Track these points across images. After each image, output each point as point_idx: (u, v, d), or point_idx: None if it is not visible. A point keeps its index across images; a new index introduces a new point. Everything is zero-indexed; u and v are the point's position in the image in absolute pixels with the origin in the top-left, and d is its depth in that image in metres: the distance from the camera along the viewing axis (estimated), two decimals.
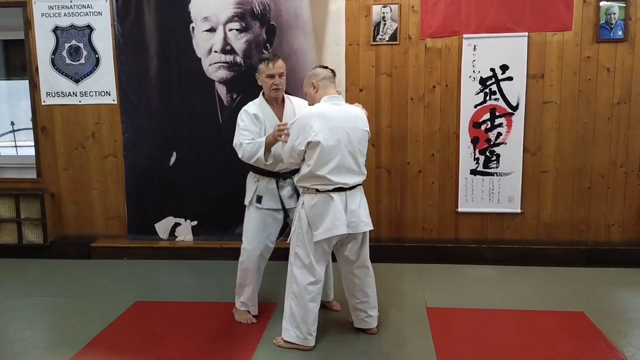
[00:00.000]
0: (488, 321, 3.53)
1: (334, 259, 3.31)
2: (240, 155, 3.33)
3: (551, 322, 3.48)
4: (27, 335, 3.41)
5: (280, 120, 3.37)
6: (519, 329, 3.44)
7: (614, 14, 4.28)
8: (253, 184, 3.46)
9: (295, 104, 3.49)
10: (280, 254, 3.61)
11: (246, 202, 3.49)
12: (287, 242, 3.27)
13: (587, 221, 4.56)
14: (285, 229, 3.61)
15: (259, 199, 3.41)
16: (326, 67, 3.22)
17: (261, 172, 3.41)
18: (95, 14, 4.71)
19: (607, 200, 4.52)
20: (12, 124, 5.69)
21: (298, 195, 3.38)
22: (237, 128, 3.37)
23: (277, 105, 3.44)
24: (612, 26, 4.29)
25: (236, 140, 3.35)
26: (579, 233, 4.57)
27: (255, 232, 3.44)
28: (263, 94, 3.44)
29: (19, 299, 4.01)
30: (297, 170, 3.36)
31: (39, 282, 4.37)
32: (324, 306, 3.53)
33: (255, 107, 3.40)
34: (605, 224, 4.55)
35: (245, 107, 3.42)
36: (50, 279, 4.45)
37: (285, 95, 3.50)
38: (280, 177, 3.41)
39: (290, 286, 3.14)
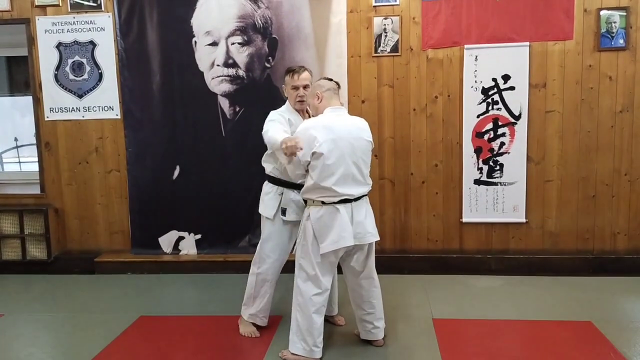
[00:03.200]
0: (495, 332, 3.51)
1: (339, 271, 3.30)
2: (265, 140, 3.25)
3: (559, 332, 3.45)
4: (31, 352, 3.39)
5: None
6: (526, 339, 3.42)
7: (615, 22, 4.29)
8: (276, 196, 3.39)
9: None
10: (287, 267, 3.59)
11: (266, 214, 3.42)
12: (292, 253, 3.27)
13: (593, 230, 4.54)
14: None
15: (284, 211, 3.37)
16: (331, 79, 3.23)
17: (285, 184, 3.37)
18: (98, 29, 4.74)
19: (612, 209, 4.50)
20: (16, 140, 5.71)
21: None
22: (267, 122, 3.29)
23: (303, 116, 3.41)
24: (613, 35, 4.31)
25: (266, 127, 3.25)
26: (584, 242, 4.55)
27: (278, 243, 3.41)
28: (288, 104, 3.42)
29: (23, 315, 3.99)
30: None
31: (43, 298, 4.36)
32: (328, 321, 3.50)
33: (289, 114, 3.35)
34: (611, 233, 4.53)
35: (277, 111, 3.38)
36: (54, 294, 4.44)
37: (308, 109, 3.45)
38: (298, 188, 3.35)
39: (295, 298, 3.12)
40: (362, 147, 3.05)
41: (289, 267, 3.36)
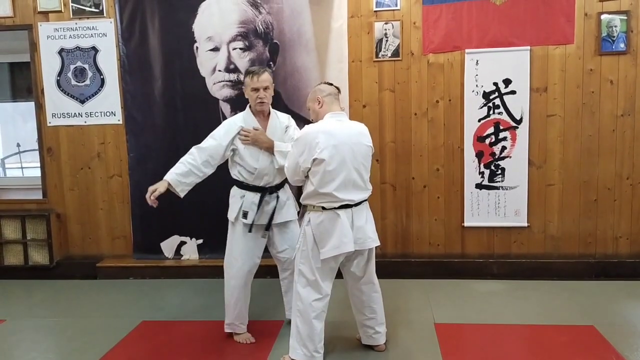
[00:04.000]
0: (497, 336, 3.50)
1: (339, 276, 3.29)
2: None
3: (561, 336, 3.44)
4: (33, 357, 3.40)
5: (265, 132, 3.38)
6: (528, 344, 3.41)
7: (616, 26, 4.29)
8: (238, 200, 3.40)
9: (280, 119, 3.48)
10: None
11: (231, 218, 3.44)
12: (292, 258, 3.26)
13: (595, 234, 4.53)
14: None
15: (245, 214, 3.37)
16: (331, 84, 3.23)
17: (247, 187, 3.39)
18: (100, 35, 4.76)
19: (614, 213, 4.49)
20: (18, 145, 5.73)
21: (287, 210, 3.42)
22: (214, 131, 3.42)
23: (264, 118, 3.43)
24: (614, 39, 4.31)
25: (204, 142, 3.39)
26: (586, 246, 4.54)
27: (242, 248, 3.41)
28: (250, 107, 3.45)
29: (26, 320, 4.00)
30: (282, 185, 3.41)
31: (45, 303, 4.37)
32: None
33: (241, 120, 3.41)
34: (613, 237, 4.52)
35: (232, 118, 3.46)
36: (56, 299, 4.45)
37: (272, 110, 3.49)
38: (266, 191, 3.38)
39: (295, 304, 3.12)
40: (362, 153, 3.05)
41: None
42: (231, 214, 3.44)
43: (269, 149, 3.31)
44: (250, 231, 3.36)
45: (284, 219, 3.46)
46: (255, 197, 3.38)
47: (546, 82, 4.42)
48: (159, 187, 3.32)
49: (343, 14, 4.49)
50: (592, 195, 4.50)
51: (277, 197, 3.42)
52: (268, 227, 3.42)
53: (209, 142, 3.37)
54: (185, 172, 3.35)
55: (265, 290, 4.17)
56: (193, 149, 3.39)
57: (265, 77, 3.34)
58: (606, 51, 4.33)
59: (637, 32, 4.30)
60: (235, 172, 3.44)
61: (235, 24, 4.56)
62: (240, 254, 3.41)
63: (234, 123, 3.40)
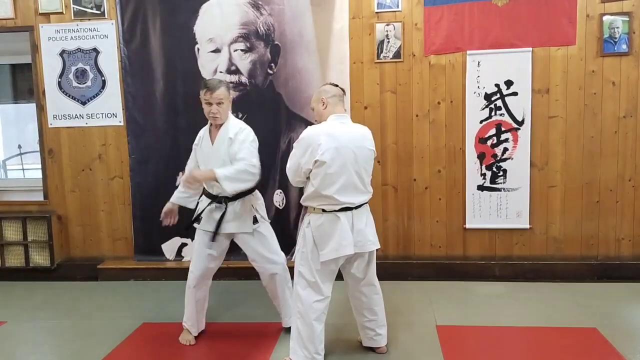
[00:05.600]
0: (499, 339, 3.49)
1: (339, 278, 3.28)
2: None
3: (563, 338, 3.43)
4: (34, 359, 3.39)
5: (212, 143, 3.38)
6: (531, 346, 3.40)
7: (618, 27, 4.28)
8: (199, 204, 3.50)
9: (229, 130, 3.35)
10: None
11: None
12: (292, 260, 3.26)
13: (597, 236, 4.51)
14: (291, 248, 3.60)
15: (198, 219, 3.43)
16: (336, 85, 3.21)
17: (205, 192, 3.45)
18: (102, 37, 4.76)
19: (616, 215, 4.48)
20: (19, 147, 5.72)
21: (240, 223, 3.40)
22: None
23: (215, 130, 3.41)
24: (616, 40, 4.30)
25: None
26: (588, 248, 4.53)
27: (196, 252, 3.48)
28: None
29: (26, 322, 3.99)
30: (236, 198, 3.36)
31: (46, 305, 4.36)
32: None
33: (203, 130, 3.51)
34: (615, 239, 4.50)
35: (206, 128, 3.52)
36: (57, 301, 4.44)
37: (230, 120, 3.40)
38: (214, 199, 3.38)
39: (295, 306, 3.11)
40: (364, 156, 3.04)
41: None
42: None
43: (213, 179, 3.22)
44: (212, 240, 3.43)
45: (231, 230, 3.41)
46: (206, 203, 3.42)
47: (548, 84, 4.41)
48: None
49: (344, 16, 4.49)
50: (594, 197, 4.48)
51: (226, 207, 3.36)
52: (214, 236, 3.40)
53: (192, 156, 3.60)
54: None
55: (264, 292, 4.15)
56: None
57: (219, 92, 3.28)
58: (608, 52, 4.32)
59: (639, 33, 4.28)
60: None
61: (237, 26, 4.55)
62: (194, 257, 3.49)
63: (199, 134, 3.52)
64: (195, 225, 3.44)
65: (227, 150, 3.32)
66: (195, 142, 3.51)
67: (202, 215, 3.41)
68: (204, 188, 3.44)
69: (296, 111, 4.57)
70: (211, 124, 3.42)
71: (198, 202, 3.50)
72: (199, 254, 3.46)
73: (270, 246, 3.48)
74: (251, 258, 3.49)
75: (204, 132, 3.47)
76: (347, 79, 4.51)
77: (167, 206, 3.58)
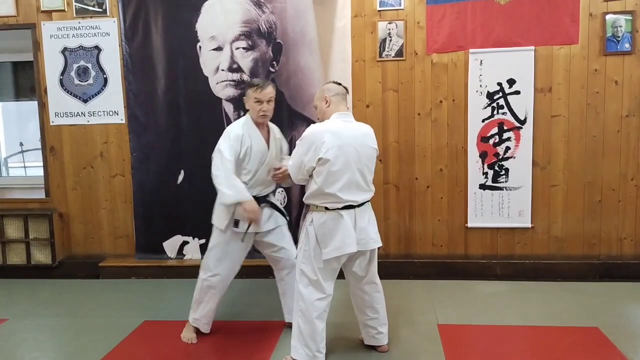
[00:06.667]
0: (501, 338, 3.48)
1: (340, 276, 3.28)
2: (213, 173, 3.30)
3: (565, 338, 3.43)
4: (36, 356, 3.39)
5: (267, 143, 3.38)
6: (532, 345, 3.39)
7: (621, 26, 4.27)
8: (229, 207, 3.34)
9: (276, 132, 3.50)
10: None
11: (218, 224, 3.42)
12: (294, 258, 3.25)
13: (599, 235, 4.51)
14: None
15: (236, 223, 3.35)
16: (339, 84, 3.21)
17: None
18: (103, 34, 4.76)
19: (618, 214, 4.47)
20: (21, 144, 5.73)
21: (277, 218, 3.44)
22: (222, 141, 3.33)
23: (263, 129, 3.42)
24: (619, 39, 4.29)
25: (219, 156, 3.29)
26: (590, 247, 4.52)
27: (225, 254, 3.41)
28: (250, 117, 3.41)
29: (28, 319, 3.99)
30: (273, 193, 3.44)
31: (48, 303, 4.36)
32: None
33: (241, 128, 3.36)
34: (617, 238, 4.50)
35: (231, 127, 3.39)
36: (58, 299, 4.44)
37: (269, 123, 3.47)
38: (258, 201, 3.35)
39: (297, 304, 3.11)
40: (367, 154, 3.04)
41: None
42: (219, 222, 3.40)
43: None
44: (242, 240, 3.36)
45: (272, 226, 3.45)
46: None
47: (550, 83, 4.41)
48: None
49: (346, 14, 4.48)
50: (596, 196, 4.47)
51: (267, 205, 3.44)
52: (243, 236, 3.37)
53: (228, 163, 3.28)
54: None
55: (267, 290, 4.16)
56: (226, 174, 3.28)
57: (270, 90, 3.32)
58: (611, 51, 4.31)
59: None
60: None
61: (239, 24, 4.55)
62: (221, 260, 3.42)
63: (236, 133, 3.34)
64: (235, 229, 3.34)
65: (279, 151, 3.46)
66: (240, 141, 3.31)
67: (239, 219, 3.33)
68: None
69: (298, 109, 4.57)
70: (255, 123, 3.37)
71: (234, 206, 3.33)
72: (230, 256, 3.41)
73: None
74: (286, 248, 3.51)
75: (249, 130, 3.35)
76: (349, 77, 4.51)
77: (253, 205, 3.27)
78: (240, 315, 3.66)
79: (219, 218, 3.43)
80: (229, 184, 3.23)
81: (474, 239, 4.62)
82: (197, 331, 3.55)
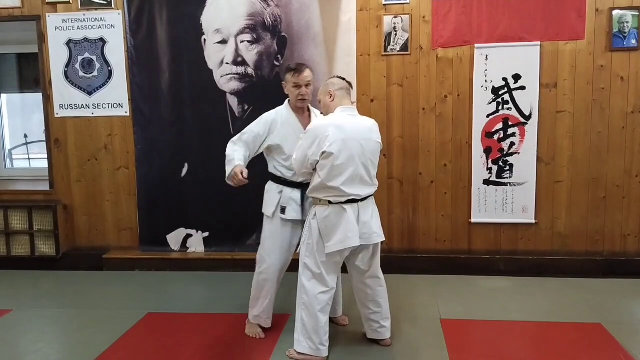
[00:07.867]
0: (503, 333, 3.48)
1: (344, 271, 3.28)
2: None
3: (568, 334, 3.43)
4: (39, 348, 3.40)
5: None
6: (535, 341, 3.39)
7: (627, 22, 4.25)
8: (276, 195, 3.37)
9: (313, 112, 3.50)
10: (294, 266, 3.58)
11: (267, 213, 3.41)
12: (297, 252, 3.26)
13: (603, 231, 4.50)
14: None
15: (283, 210, 3.34)
16: (343, 79, 3.21)
17: (284, 182, 3.37)
18: (108, 27, 4.75)
19: (622, 211, 4.46)
20: (26, 136, 5.74)
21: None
22: (255, 123, 3.39)
23: (303, 114, 3.42)
24: (626, 35, 4.27)
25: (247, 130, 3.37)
26: (594, 244, 4.52)
27: (277, 242, 3.38)
28: (289, 102, 3.42)
29: (32, 311, 4.01)
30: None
31: (52, 294, 4.38)
32: (332, 321, 3.47)
33: (276, 114, 3.37)
34: (621, 234, 4.49)
35: (267, 112, 3.41)
36: (62, 290, 4.45)
37: (311, 107, 3.48)
38: (304, 187, 3.32)
39: (300, 297, 3.11)
40: (371, 148, 3.04)
41: (294, 265, 3.34)
42: (268, 209, 3.40)
43: None
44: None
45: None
46: (293, 192, 3.34)
47: (556, 78, 4.39)
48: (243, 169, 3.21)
49: (352, 7, 4.47)
50: (600, 193, 4.46)
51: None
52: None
53: (241, 136, 3.35)
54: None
55: None
56: (229, 144, 3.36)
57: (308, 74, 3.33)
58: (617, 47, 4.29)
59: None
60: (272, 167, 3.42)
61: (244, 17, 4.54)
62: (273, 250, 3.39)
63: (266, 119, 3.37)
64: (281, 216, 3.33)
65: None
66: (269, 126, 3.34)
67: (285, 205, 3.33)
68: (285, 178, 3.35)
69: None
70: (292, 109, 3.38)
71: (280, 194, 3.36)
72: (281, 245, 3.38)
73: None
74: None
75: (285, 117, 3.36)
76: (354, 71, 4.50)
77: (235, 170, 3.20)
78: (243, 308, 3.66)
79: (267, 205, 3.43)
80: (227, 153, 3.31)
81: (478, 234, 4.62)
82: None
